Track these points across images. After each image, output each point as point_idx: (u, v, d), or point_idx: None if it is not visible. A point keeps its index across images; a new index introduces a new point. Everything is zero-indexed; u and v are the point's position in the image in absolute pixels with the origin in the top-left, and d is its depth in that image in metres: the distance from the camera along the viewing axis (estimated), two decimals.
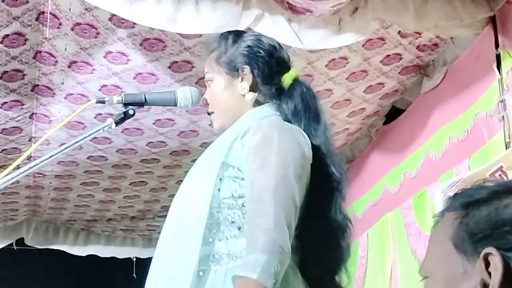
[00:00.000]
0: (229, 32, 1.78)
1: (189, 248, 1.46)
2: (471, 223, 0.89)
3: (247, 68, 1.67)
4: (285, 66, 1.72)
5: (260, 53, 1.68)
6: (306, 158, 1.54)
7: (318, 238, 1.57)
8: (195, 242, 1.45)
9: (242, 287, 1.35)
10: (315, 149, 1.59)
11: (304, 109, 1.63)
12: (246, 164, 1.51)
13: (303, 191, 1.52)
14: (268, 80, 1.67)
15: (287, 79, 1.69)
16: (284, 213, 1.42)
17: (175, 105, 1.72)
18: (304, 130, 1.59)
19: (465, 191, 0.94)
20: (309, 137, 1.59)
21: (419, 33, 2.71)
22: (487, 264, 0.84)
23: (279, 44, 1.74)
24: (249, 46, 1.70)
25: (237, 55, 1.69)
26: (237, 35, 1.75)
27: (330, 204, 1.59)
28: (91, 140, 3.32)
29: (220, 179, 1.51)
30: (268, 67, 1.68)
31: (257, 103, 1.67)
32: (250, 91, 1.67)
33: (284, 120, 1.62)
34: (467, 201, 0.92)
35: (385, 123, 3.54)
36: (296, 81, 1.69)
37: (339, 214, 1.60)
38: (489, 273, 0.84)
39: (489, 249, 0.84)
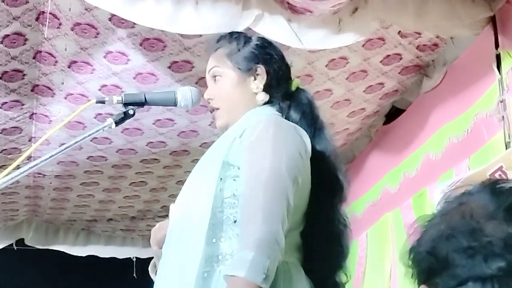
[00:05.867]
0: (239, 33, 1.82)
1: (193, 249, 1.46)
2: None
3: (261, 68, 1.69)
4: (290, 73, 1.76)
5: (273, 55, 1.71)
6: (303, 154, 1.55)
7: (321, 236, 1.59)
8: (198, 243, 1.45)
9: (232, 286, 1.35)
10: (320, 153, 1.62)
11: (311, 116, 1.65)
12: (242, 162, 1.51)
13: (302, 186, 1.53)
14: (280, 82, 1.70)
15: (294, 84, 1.72)
16: (274, 207, 1.42)
17: (175, 105, 1.72)
18: (309, 135, 1.61)
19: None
20: (314, 142, 1.61)
21: (419, 33, 2.71)
22: None
23: (282, 53, 1.77)
24: (262, 47, 1.72)
25: (251, 54, 1.70)
26: (247, 36, 1.78)
27: (333, 206, 1.62)
28: (91, 140, 3.32)
29: (221, 179, 1.51)
30: (281, 69, 1.71)
31: (266, 103, 1.69)
32: (262, 90, 1.68)
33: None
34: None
35: (385, 123, 3.54)
36: (301, 89, 1.73)
37: (341, 216, 1.63)
38: None
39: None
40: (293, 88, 1.72)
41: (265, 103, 1.68)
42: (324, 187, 1.59)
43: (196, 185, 1.57)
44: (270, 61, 1.70)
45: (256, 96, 1.68)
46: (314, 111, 1.68)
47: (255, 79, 1.69)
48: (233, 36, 1.77)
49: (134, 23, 2.39)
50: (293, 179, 1.48)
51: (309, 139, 1.59)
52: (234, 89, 1.69)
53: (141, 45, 2.63)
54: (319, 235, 1.58)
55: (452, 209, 1.01)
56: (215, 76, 1.72)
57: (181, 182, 1.64)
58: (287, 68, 1.74)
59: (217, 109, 1.70)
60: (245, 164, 1.50)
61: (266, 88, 1.68)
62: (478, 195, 1.00)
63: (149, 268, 1.67)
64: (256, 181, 1.45)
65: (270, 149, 1.49)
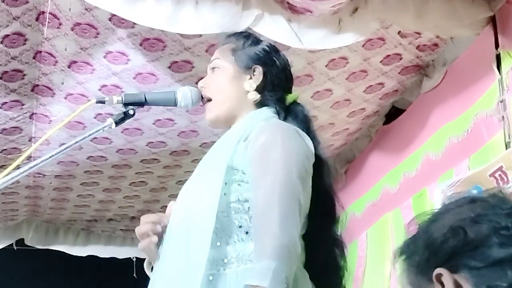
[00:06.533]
0: (250, 34, 1.84)
1: (198, 252, 1.45)
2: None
3: (259, 69, 1.70)
4: (290, 85, 1.76)
5: (276, 62, 1.72)
6: (310, 158, 1.56)
7: (321, 237, 1.59)
8: (203, 246, 1.45)
9: None
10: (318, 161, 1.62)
11: (307, 132, 1.65)
12: (250, 168, 1.51)
13: (308, 191, 1.53)
14: (275, 89, 1.70)
15: (290, 97, 1.73)
16: (289, 215, 1.43)
17: (175, 105, 1.73)
18: None
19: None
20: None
21: (419, 33, 2.71)
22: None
23: (289, 66, 1.78)
24: (267, 52, 1.74)
25: (255, 55, 1.72)
26: (258, 38, 1.80)
27: (329, 229, 1.64)
28: (91, 140, 3.32)
29: (226, 183, 1.50)
30: (279, 77, 1.71)
31: (258, 104, 1.69)
32: (255, 90, 1.68)
33: None
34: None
35: (385, 123, 3.54)
36: (297, 103, 1.73)
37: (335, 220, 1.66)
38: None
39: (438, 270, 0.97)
40: (290, 100, 1.72)
41: (261, 105, 1.69)
42: (320, 210, 1.60)
43: (198, 188, 1.56)
44: (271, 66, 1.71)
45: (248, 94, 1.69)
46: (310, 127, 1.69)
47: (250, 78, 1.70)
48: (243, 34, 1.81)
49: (134, 23, 2.39)
50: (303, 184, 1.49)
51: (311, 141, 1.60)
52: (227, 82, 1.70)
53: (141, 45, 2.63)
54: (319, 237, 1.59)
55: (476, 199, 1.02)
56: (213, 68, 1.74)
57: (181, 182, 1.64)
58: (286, 79, 1.75)
59: (209, 100, 1.71)
60: (255, 171, 1.50)
61: (259, 89, 1.69)
62: (494, 197, 1.01)
63: (145, 265, 1.67)
64: (270, 190, 1.45)
65: (280, 157, 1.49)
